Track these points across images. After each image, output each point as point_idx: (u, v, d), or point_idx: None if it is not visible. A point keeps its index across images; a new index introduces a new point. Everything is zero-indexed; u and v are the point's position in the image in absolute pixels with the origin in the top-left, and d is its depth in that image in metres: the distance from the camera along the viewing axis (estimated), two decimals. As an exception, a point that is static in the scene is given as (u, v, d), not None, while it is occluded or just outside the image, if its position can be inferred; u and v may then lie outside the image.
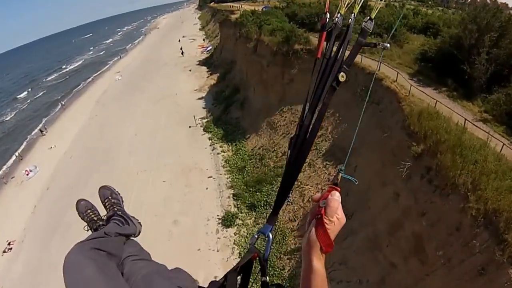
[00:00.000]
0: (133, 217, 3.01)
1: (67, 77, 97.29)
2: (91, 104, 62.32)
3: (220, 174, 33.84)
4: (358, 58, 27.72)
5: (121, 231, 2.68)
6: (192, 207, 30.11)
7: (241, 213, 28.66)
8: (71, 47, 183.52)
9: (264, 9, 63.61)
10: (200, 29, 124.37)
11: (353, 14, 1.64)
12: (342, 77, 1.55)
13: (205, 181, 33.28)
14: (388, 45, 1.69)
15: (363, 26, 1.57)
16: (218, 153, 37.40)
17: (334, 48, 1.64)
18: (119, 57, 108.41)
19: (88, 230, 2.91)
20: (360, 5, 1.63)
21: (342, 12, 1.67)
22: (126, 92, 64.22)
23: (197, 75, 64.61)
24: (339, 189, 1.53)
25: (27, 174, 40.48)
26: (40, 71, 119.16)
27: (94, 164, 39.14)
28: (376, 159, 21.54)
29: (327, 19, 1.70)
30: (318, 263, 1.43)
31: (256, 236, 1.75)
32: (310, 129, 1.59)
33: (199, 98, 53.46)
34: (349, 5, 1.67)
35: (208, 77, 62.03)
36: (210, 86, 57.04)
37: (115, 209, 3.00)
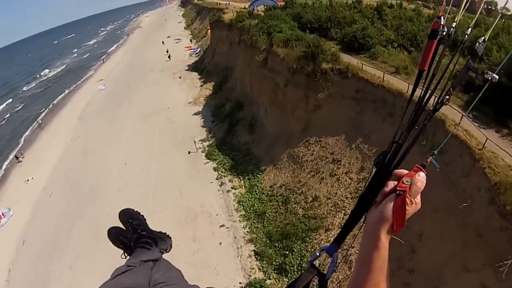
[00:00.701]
0: (160, 233, 2.88)
1: (49, 85, 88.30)
2: (73, 120, 54.52)
3: (234, 221, 26.67)
4: (405, 84, 22.78)
5: (147, 257, 2.45)
6: (205, 272, 22.98)
7: (269, 279, 21.84)
8: (53, 49, 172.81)
9: (250, 9, 57.80)
10: (185, 28, 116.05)
11: (469, 29, 1.44)
12: (447, 101, 1.41)
13: (217, 232, 26.09)
14: (497, 76, 1.42)
15: (476, 47, 1.35)
16: (228, 190, 30.00)
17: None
18: (102, 61, 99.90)
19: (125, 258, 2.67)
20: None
21: (457, 19, 1.46)
22: (111, 105, 56.55)
23: (188, 83, 57.06)
24: (425, 172, 1.38)
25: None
26: (20, 77, 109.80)
27: (78, 207, 32.00)
28: (450, 231, 16.57)
29: (441, 25, 1.44)
30: (385, 240, 1.32)
31: (318, 254, 1.62)
32: (402, 149, 1.47)
33: (195, 114, 46.01)
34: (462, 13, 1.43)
35: (201, 85, 54.55)
36: (206, 97, 49.80)
37: (139, 230, 2.81)
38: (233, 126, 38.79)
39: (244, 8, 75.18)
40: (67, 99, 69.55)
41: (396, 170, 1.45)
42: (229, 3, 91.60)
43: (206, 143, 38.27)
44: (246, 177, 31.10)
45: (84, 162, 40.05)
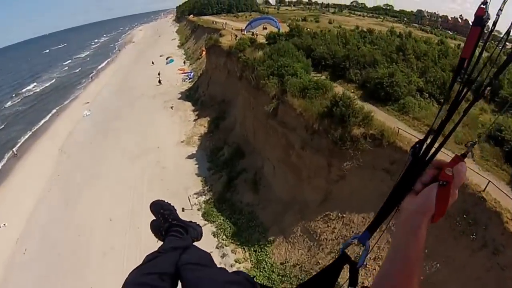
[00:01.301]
0: (191, 222, 2.98)
1: (34, 103, 79.96)
2: (53, 153, 48.08)
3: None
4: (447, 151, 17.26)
5: (177, 245, 2.46)
6: None
7: None
8: (43, 60, 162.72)
9: (248, 29, 54.12)
10: (179, 46, 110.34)
11: None
12: (487, 92, 1.38)
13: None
14: None
15: None
16: (231, 264, 24.28)
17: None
18: (90, 79, 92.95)
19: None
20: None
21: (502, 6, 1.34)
22: (96, 137, 50.31)
23: (181, 116, 51.37)
24: (464, 161, 1.36)
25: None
26: (6, 89, 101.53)
27: (56, 274, 26.20)
28: None
29: (486, 12, 1.31)
30: (425, 230, 1.29)
31: (350, 242, 1.65)
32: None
33: (189, 157, 40.23)
34: None
35: (195, 120, 48.94)
36: (201, 136, 44.13)
37: (170, 219, 2.85)
38: (233, 179, 33.28)
39: (242, 31, 70.39)
40: (50, 123, 62.74)
41: (435, 160, 1.40)
42: (226, 23, 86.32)
43: (202, 198, 32.52)
44: (252, 248, 25.77)
45: (64, 211, 33.96)
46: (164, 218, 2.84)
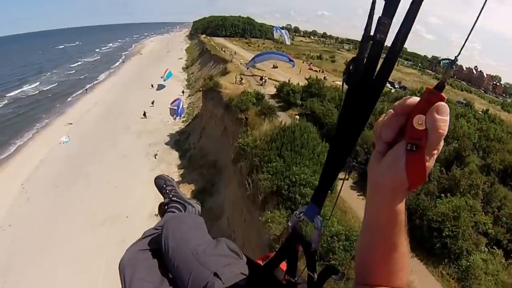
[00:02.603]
0: (190, 199, 2.96)
1: (20, 111, 69.21)
2: (14, 188, 38.71)
3: None
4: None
5: None
6: None
7: None
8: (54, 56, 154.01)
9: (251, 65, 49.97)
10: (183, 69, 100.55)
11: None
12: None
13: None
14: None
15: None
16: None
17: None
18: (85, 91, 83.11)
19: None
20: None
21: None
22: (64, 179, 40.22)
23: (163, 171, 40.96)
24: (445, 97, 0.84)
25: None
26: (7, 83, 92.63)
27: None
28: None
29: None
30: (401, 205, 0.98)
31: (297, 217, 1.34)
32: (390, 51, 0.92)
33: (159, 240, 29.71)
34: None
35: (178, 181, 38.46)
36: None
37: (170, 195, 2.96)
38: None
39: (245, 68, 60.86)
40: (17, 149, 51.89)
41: (401, 101, 0.91)
42: (235, 53, 77.09)
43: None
44: None
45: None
46: (165, 193, 2.93)
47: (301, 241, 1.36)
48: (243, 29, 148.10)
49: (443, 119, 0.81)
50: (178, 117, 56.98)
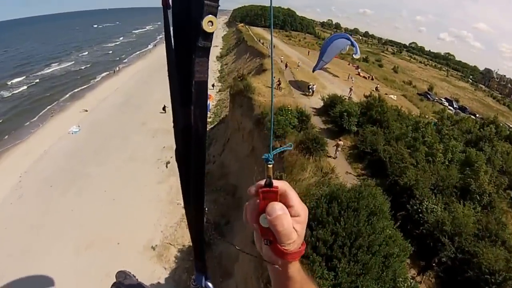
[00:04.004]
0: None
1: (44, 91, 63.77)
2: (9, 182, 32.41)
3: None
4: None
5: None
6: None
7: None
8: (89, 35, 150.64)
9: (321, 66, 40.72)
10: (218, 58, 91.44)
11: None
12: (209, 23, 0.79)
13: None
14: None
15: None
16: None
17: None
18: (113, 71, 77.86)
19: None
20: None
21: None
22: (60, 179, 33.06)
23: (172, 188, 31.65)
24: (277, 189, 0.97)
25: None
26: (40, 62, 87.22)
27: None
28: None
29: None
30: (294, 269, 1.05)
31: (193, 285, 1.40)
32: (193, 129, 0.96)
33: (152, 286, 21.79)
34: None
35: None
36: (182, 252, 24.68)
37: None
38: None
39: (297, 66, 51.18)
40: (37, 125, 47.52)
41: (250, 201, 1.02)
42: (274, 47, 67.63)
43: None
44: None
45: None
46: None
47: None
48: (283, 20, 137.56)
49: (276, 218, 0.92)
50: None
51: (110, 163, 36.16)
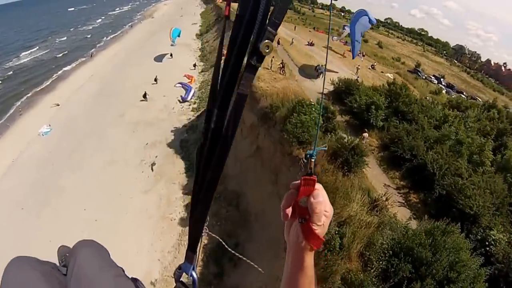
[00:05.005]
0: None
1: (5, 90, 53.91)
2: None
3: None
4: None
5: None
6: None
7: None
8: (59, 19, 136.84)
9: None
10: (197, 36, 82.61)
11: None
12: (266, 47, 0.84)
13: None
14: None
15: None
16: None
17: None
18: (90, 56, 68.89)
19: None
20: None
21: None
22: (33, 198, 25.79)
23: (162, 197, 25.34)
24: (315, 178, 1.08)
25: None
26: None
27: None
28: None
29: None
30: (309, 260, 1.15)
31: (178, 272, 1.38)
32: (222, 133, 0.99)
33: None
34: None
35: (183, 220, 23.26)
36: None
37: None
38: None
39: (291, 43, 44.54)
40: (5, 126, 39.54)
41: (293, 183, 1.14)
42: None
43: None
44: None
45: None
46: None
47: None
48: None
49: (318, 202, 1.04)
50: (190, 98, 41.91)
51: (86, 169, 29.08)
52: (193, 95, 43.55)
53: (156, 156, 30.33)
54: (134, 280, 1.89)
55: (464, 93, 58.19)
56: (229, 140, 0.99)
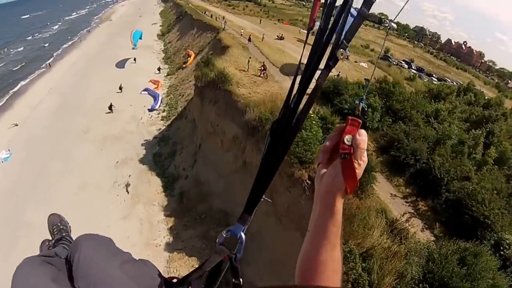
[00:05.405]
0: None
1: None
2: None
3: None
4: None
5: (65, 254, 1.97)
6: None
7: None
8: (14, 27, 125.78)
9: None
10: (159, 36, 78.09)
11: None
12: (341, 54, 1.10)
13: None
14: (395, 25, 1.91)
15: None
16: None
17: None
18: (48, 66, 62.65)
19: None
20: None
21: None
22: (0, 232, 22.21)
23: (142, 220, 22.33)
24: (360, 120, 1.13)
25: None
26: None
27: None
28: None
29: None
30: (340, 206, 1.14)
31: (225, 235, 1.42)
32: (297, 113, 1.21)
33: None
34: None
35: (170, 251, 20.08)
36: None
37: (64, 234, 2.52)
38: None
39: (262, 39, 41.89)
40: None
41: (337, 126, 1.20)
42: (224, 19, 56.13)
43: None
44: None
45: None
46: (59, 231, 2.49)
47: (228, 253, 1.40)
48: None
49: (362, 139, 1.06)
50: (156, 107, 38.73)
51: (55, 198, 25.35)
52: (161, 102, 40.27)
53: (130, 175, 27.13)
54: (142, 261, 1.87)
55: (434, 75, 57.59)
56: (302, 119, 1.18)
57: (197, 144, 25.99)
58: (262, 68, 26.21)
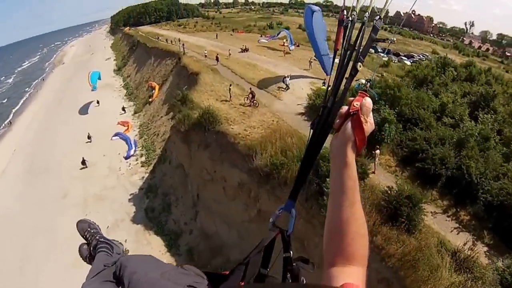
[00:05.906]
0: (113, 240, 2.47)
1: None
2: None
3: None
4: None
5: (111, 260, 2.07)
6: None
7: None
8: None
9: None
10: (115, 72, 73.13)
11: (366, 13, 1.47)
12: (359, 66, 1.37)
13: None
14: (395, 39, 1.74)
15: (374, 23, 1.43)
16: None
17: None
18: (8, 123, 56.81)
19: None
20: (371, 6, 1.46)
21: (357, 10, 1.51)
22: None
23: None
24: (367, 94, 1.33)
25: None
26: None
27: None
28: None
29: (345, 16, 1.53)
30: (352, 158, 1.23)
31: (278, 213, 1.54)
32: (331, 112, 1.39)
33: None
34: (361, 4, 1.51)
35: None
36: None
37: (97, 237, 2.45)
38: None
39: (228, 55, 39.24)
40: None
41: (348, 98, 1.35)
42: (180, 41, 52.71)
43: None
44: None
45: None
46: (91, 236, 2.44)
47: (280, 229, 1.49)
48: (168, 11, 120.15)
49: (367, 101, 1.23)
50: (132, 154, 34.86)
51: (47, 281, 21.75)
52: (135, 146, 36.39)
53: (126, 240, 23.42)
54: (182, 268, 1.80)
55: (401, 54, 55.49)
56: (336, 113, 1.32)
57: (194, 194, 22.63)
58: (251, 95, 23.30)
